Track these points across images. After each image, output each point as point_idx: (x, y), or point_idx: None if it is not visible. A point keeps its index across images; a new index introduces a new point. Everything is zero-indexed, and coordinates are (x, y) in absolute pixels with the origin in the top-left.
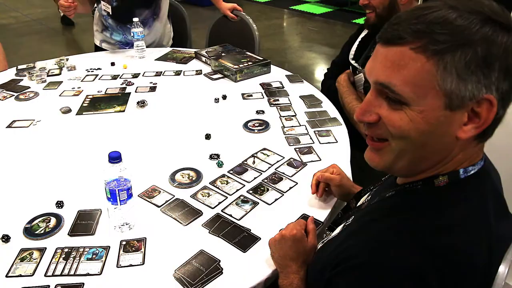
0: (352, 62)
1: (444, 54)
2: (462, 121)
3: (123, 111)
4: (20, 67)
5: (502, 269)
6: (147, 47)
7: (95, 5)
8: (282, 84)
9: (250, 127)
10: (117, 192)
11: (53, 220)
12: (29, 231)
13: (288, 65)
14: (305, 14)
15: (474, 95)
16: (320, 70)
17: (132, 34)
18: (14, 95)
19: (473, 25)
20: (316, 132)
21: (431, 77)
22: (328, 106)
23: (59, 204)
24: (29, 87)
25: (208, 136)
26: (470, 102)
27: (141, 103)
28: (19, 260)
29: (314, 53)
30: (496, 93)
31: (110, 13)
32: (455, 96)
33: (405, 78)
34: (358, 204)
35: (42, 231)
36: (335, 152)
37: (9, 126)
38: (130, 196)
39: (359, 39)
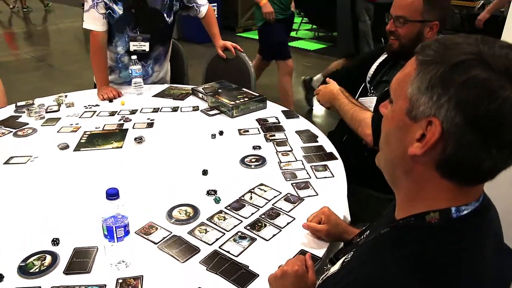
0: (368, 85)
1: (423, 65)
2: (416, 136)
3: (121, 147)
4: (19, 104)
5: None
6: (157, 83)
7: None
8: (278, 119)
9: (247, 163)
10: (114, 229)
11: (48, 258)
12: (23, 270)
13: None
14: (299, 50)
15: (425, 112)
16: (315, 106)
17: (130, 71)
18: (12, 132)
19: (463, 52)
20: (313, 167)
21: (408, 81)
22: (324, 141)
23: (55, 242)
24: (27, 124)
25: (205, 172)
26: (423, 119)
27: (139, 139)
28: None
29: None
30: (445, 121)
31: (148, 50)
32: (414, 106)
33: (398, 77)
34: (358, 240)
35: (37, 270)
36: (332, 187)
37: (6, 163)
38: (127, 233)
39: (377, 62)
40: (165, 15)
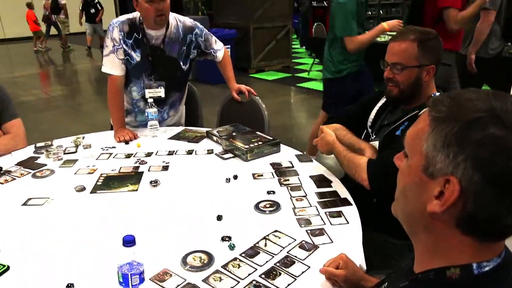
0: (369, 130)
1: (437, 121)
2: (434, 193)
3: (136, 190)
4: (38, 145)
5: None
6: (171, 126)
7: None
8: (292, 163)
9: (261, 208)
10: (129, 277)
11: None
12: None
13: (296, 141)
14: (311, 91)
15: (442, 170)
16: None
17: (146, 114)
18: (31, 173)
19: (476, 109)
20: (327, 213)
21: (423, 137)
22: (338, 186)
23: (70, 287)
24: (45, 165)
25: (219, 218)
26: (440, 177)
27: (154, 183)
28: None
29: None
30: (463, 179)
31: (163, 96)
32: (430, 163)
33: (412, 132)
34: None
35: None
36: (347, 234)
37: (24, 204)
38: (142, 280)
39: (377, 107)
40: (181, 63)
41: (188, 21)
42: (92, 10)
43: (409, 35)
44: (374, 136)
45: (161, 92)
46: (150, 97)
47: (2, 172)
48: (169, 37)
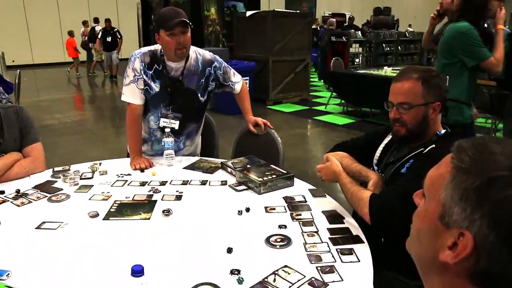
0: (375, 168)
1: (459, 171)
2: (447, 243)
3: (149, 218)
4: (56, 169)
5: None
6: (187, 156)
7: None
8: (305, 198)
9: (272, 242)
10: None
11: None
12: None
13: (311, 174)
14: (328, 124)
15: (458, 223)
16: None
17: (163, 143)
18: (47, 196)
19: (500, 166)
20: (338, 250)
21: (442, 184)
22: (350, 222)
23: None
24: (62, 189)
25: (230, 250)
26: (455, 229)
27: (166, 212)
28: None
29: None
30: (478, 236)
31: (177, 128)
32: (447, 213)
33: (432, 176)
34: None
35: None
36: (358, 273)
37: (38, 227)
38: None
39: (383, 144)
40: (199, 94)
41: (207, 54)
42: (109, 39)
43: (412, 74)
44: (381, 174)
45: (175, 124)
46: (164, 126)
47: (19, 194)
48: (188, 69)
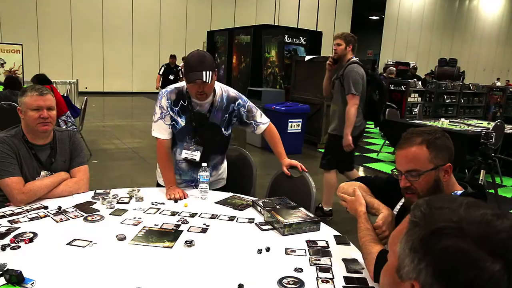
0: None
1: (411, 225)
2: None
3: (171, 247)
4: (97, 191)
5: None
6: (212, 183)
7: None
8: (327, 244)
9: (285, 284)
10: None
11: None
12: None
13: (350, 221)
14: (378, 172)
15: (408, 275)
16: None
17: (199, 177)
18: (84, 216)
19: (443, 219)
20: None
21: (399, 238)
22: (368, 274)
23: None
24: (98, 210)
25: (240, 287)
26: (408, 281)
27: (189, 243)
28: None
29: None
30: (424, 285)
31: (198, 160)
32: (401, 265)
33: (395, 232)
34: None
35: None
36: None
37: (69, 244)
38: None
39: (398, 206)
40: (223, 129)
41: (232, 91)
42: (171, 77)
43: (415, 139)
44: (392, 211)
45: (196, 156)
46: (186, 158)
47: (60, 211)
48: (214, 105)
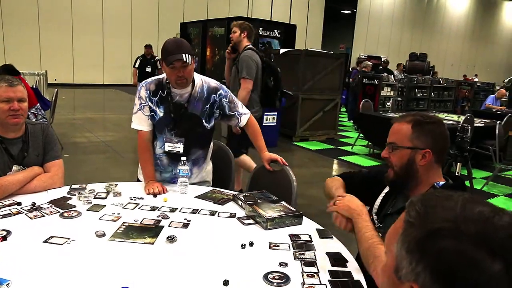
0: (375, 217)
1: (406, 225)
2: None
3: (152, 243)
4: (73, 186)
5: None
6: (197, 184)
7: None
8: (311, 237)
9: (270, 279)
10: None
11: None
12: None
13: (329, 214)
14: (352, 165)
15: (407, 276)
16: None
17: (178, 171)
18: (59, 212)
19: (439, 219)
20: None
21: (396, 237)
22: (353, 266)
23: None
24: (75, 206)
25: (226, 283)
26: (407, 282)
27: (171, 239)
28: None
29: None
30: (423, 287)
31: (181, 151)
32: (399, 267)
33: (391, 229)
34: None
35: None
36: None
37: (45, 241)
38: None
39: (383, 193)
40: (203, 121)
41: (213, 82)
42: (148, 69)
43: (408, 117)
44: (379, 225)
45: (180, 148)
46: (169, 150)
47: (34, 207)
48: (193, 95)
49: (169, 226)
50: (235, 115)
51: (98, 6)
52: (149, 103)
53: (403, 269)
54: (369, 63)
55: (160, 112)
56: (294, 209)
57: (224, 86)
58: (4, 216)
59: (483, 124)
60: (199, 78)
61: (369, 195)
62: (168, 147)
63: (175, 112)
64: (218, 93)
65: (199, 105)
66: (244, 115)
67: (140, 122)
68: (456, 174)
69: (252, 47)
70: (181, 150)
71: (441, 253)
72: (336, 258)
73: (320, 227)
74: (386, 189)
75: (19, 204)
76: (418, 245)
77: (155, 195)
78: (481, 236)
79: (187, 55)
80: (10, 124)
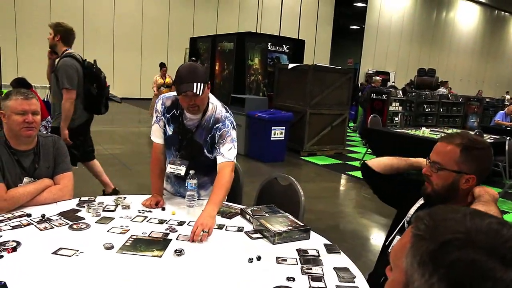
0: (407, 225)
1: (416, 239)
2: None
3: (160, 256)
4: (82, 199)
5: None
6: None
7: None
8: (318, 252)
9: None
10: None
11: None
12: None
13: (337, 229)
14: (360, 180)
15: None
16: (369, 239)
17: (186, 184)
18: (69, 224)
19: (451, 230)
20: None
21: (404, 253)
22: (360, 282)
23: None
24: (84, 218)
25: None
26: None
27: (178, 252)
28: None
29: (365, 220)
30: None
31: (182, 174)
32: (409, 280)
33: (396, 246)
34: None
35: None
36: None
37: (54, 253)
38: None
39: (418, 204)
40: (205, 150)
41: (220, 112)
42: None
43: (456, 139)
44: None
45: (182, 170)
46: (171, 172)
47: (44, 219)
48: (201, 123)
49: (177, 239)
50: (216, 149)
51: (109, 20)
52: (163, 118)
53: (415, 282)
54: (378, 78)
55: (169, 131)
56: (302, 224)
57: (227, 121)
58: (14, 227)
59: (492, 140)
60: (212, 106)
61: (402, 198)
62: (170, 169)
63: (182, 135)
64: (218, 125)
65: (203, 134)
66: (221, 156)
67: (156, 134)
68: None
69: (71, 53)
70: (182, 173)
71: (455, 263)
72: (343, 274)
73: (328, 242)
74: (421, 201)
75: (29, 215)
76: (430, 257)
77: (163, 208)
78: (493, 246)
79: (199, 84)
80: (23, 136)
